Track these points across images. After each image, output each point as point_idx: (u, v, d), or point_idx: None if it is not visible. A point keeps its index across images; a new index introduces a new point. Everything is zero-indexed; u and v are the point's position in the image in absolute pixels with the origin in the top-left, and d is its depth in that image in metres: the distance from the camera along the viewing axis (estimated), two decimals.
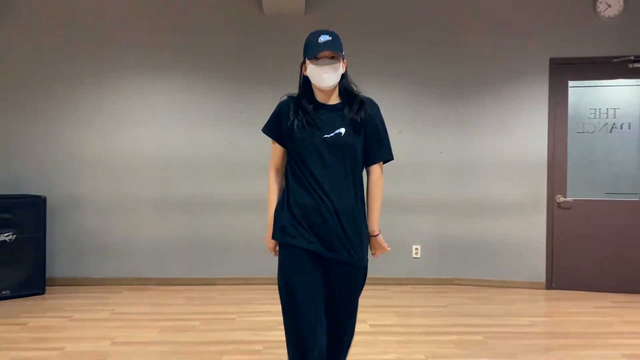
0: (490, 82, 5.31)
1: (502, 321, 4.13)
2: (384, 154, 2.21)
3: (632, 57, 5.04)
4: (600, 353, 3.41)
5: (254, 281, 5.24)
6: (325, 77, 2.04)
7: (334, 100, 2.15)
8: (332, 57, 2.05)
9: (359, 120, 2.10)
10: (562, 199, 5.20)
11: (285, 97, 2.21)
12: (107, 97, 5.26)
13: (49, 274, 5.03)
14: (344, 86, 2.15)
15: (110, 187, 5.24)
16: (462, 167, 5.36)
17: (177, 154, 5.28)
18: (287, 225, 2.07)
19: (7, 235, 4.65)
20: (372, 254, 2.27)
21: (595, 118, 5.21)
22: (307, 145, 2.07)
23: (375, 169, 2.21)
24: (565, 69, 5.22)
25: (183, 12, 5.28)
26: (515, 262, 5.29)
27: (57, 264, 5.18)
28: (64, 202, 5.20)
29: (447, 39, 5.34)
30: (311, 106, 2.11)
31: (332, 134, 2.08)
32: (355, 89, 2.18)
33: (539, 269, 5.26)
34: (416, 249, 5.38)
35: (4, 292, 4.62)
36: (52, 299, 4.68)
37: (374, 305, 4.53)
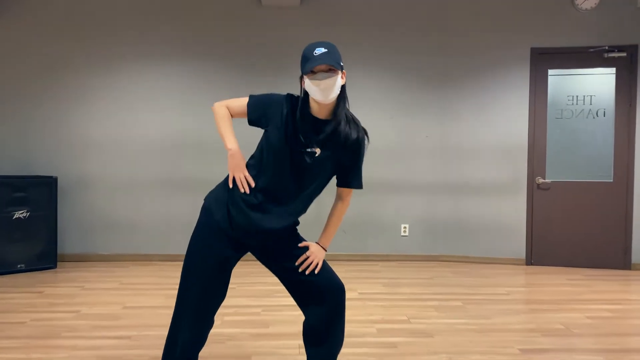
0: (475, 70, 5.63)
1: (480, 291, 4.48)
2: (359, 183, 2.20)
3: (606, 47, 5.37)
4: (566, 315, 3.76)
5: (251, 257, 5.57)
6: (322, 92, 1.94)
7: (328, 115, 2.06)
8: (329, 70, 1.94)
9: (345, 143, 2.06)
10: (541, 180, 5.54)
11: (285, 95, 2.11)
12: (114, 83, 5.57)
13: (59, 250, 5.37)
14: (340, 101, 2.05)
15: (116, 168, 5.56)
16: (448, 150, 5.69)
17: (180, 136, 5.60)
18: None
19: (22, 213, 4.97)
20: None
21: (572, 105, 5.54)
22: (282, 155, 2.05)
23: (348, 192, 2.22)
24: (545, 58, 5.54)
25: (187, 3, 5.58)
26: (497, 240, 5.64)
27: (67, 241, 5.51)
28: (74, 182, 5.52)
29: (435, 29, 5.66)
30: (302, 119, 2.05)
31: (308, 150, 2.04)
32: (347, 106, 2.10)
33: (519, 246, 5.61)
34: (404, 227, 5.72)
35: (19, 266, 4.95)
36: (64, 272, 5.01)
37: (363, 277, 4.88)
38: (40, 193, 5.10)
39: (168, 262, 5.48)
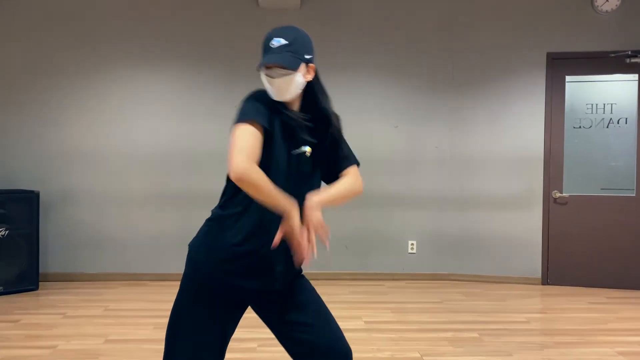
0: (487, 76, 5.28)
1: (497, 318, 4.12)
2: (355, 157, 1.88)
3: (629, 52, 5.01)
4: (596, 350, 3.40)
5: None
6: (275, 91, 1.67)
7: (299, 108, 1.77)
8: (285, 67, 1.64)
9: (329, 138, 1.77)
10: (558, 194, 5.18)
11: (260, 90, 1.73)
12: (100, 90, 5.20)
13: (42, 269, 5.00)
14: (311, 97, 1.76)
15: (103, 181, 5.20)
16: (458, 162, 5.33)
17: (172, 147, 5.24)
18: None
19: (0, 231, 4.60)
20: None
21: (591, 113, 5.18)
22: (284, 166, 1.68)
23: (354, 170, 1.85)
24: (563, 64, 5.18)
25: (178, 4, 5.22)
26: (511, 257, 5.28)
27: (50, 260, 5.15)
28: (57, 197, 5.15)
29: (444, 33, 5.30)
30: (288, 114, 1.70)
31: (302, 150, 1.73)
32: (327, 101, 1.78)
33: (534, 264, 5.25)
34: (412, 244, 5.36)
35: None
36: (45, 295, 4.65)
37: (369, 301, 4.52)
38: (20, 209, 4.73)
39: (159, 282, 5.11)
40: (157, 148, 5.24)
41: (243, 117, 1.61)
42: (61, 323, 3.86)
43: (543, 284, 5.23)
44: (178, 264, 5.15)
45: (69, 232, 5.18)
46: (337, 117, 1.81)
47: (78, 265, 5.19)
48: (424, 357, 3.24)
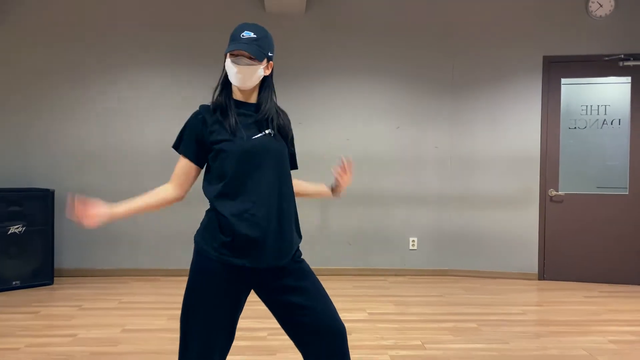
0: (486, 79, 5.47)
1: (495, 310, 4.30)
2: (295, 162, 2.17)
3: (622, 56, 5.21)
4: (588, 339, 3.59)
5: None
6: (237, 77, 1.91)
7: (254, 99, 2.00)
8: (251, 57, 1.88)
9: (280, 124, 2.00)
10: (554, 192, 5.37)
11: (198, 110, 2.12)
12: (113, 92, 5.39)
13: (57, 265, 5.19)
14: (264, 92, 1.99)
15: (115, 180, 5.38)
16: (458, 162, 5.52)
17: None
18: None
19: (17, 228, 4.79)
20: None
21: (586, 114, 5.37)
22: (243, 144, 1.92)
23: None
24: (558, 67, 5.37)
25: (184, 9, 5.41)
26: (508, 254, 5.46)
27: (64, 256, 5.33)
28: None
29: (444, 36, 5.49)
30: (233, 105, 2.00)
31: (267, 132, 1.95)
32: (274, 98, 2.03)
33: (531, 260, 5.43)
34: (413, 241, 5.55)
35: (14, 283, 4.77)
36: (60, 289, 4.83)
37: (372, 295, 4.70)
38: (36, 207, 4.92)
39: (170, 278, 5.30)
40: (168, 147, 5.41)
41: (177, 144, 2.12)
42: (79, 314, 4.04)
43: (539, 279, 5.41)
44: (189, 260, 5.33)
45: (82, 229, 5.36)
46: (284, 113, 2.05)
47: (91, 261, 5.37)
48: (425, 345, 3.42)
